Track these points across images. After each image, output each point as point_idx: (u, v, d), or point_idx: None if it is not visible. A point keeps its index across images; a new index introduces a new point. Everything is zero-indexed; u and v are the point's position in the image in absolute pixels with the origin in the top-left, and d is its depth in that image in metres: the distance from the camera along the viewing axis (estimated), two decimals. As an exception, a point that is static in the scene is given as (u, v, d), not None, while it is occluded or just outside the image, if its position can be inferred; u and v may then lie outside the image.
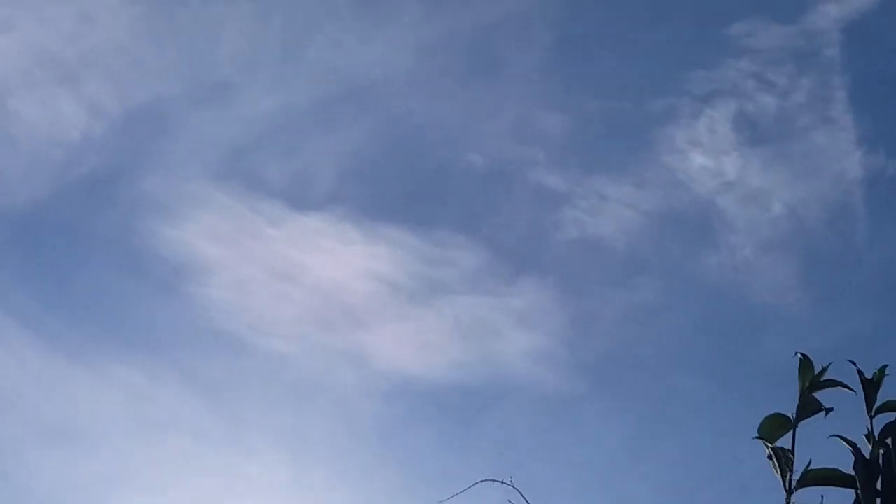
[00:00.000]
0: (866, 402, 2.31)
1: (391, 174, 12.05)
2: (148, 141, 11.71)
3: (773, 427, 2.32)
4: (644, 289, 11.65)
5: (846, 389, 2.31)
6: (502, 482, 2.78)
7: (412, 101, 11.88)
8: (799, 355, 2.34)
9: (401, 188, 12.04)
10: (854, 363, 2.26)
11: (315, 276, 11.86)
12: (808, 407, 2.31)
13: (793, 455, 2.30)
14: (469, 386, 11.39)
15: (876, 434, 2.28)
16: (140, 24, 11.51)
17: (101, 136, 11.47)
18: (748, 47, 11.32)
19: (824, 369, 2.34)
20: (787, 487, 2.29)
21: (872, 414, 2.30)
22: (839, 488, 2.30)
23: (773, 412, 2.31)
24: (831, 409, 2.31)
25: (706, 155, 11.53)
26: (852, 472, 2.23)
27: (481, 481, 2.84)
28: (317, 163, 11.94)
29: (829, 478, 2.31)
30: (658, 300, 11.59)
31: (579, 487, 10.71)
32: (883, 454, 2.22)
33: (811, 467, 2.31)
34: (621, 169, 11.77)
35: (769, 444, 2.28)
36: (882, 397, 2.32)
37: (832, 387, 2.33)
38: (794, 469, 2.29)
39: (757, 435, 2.28)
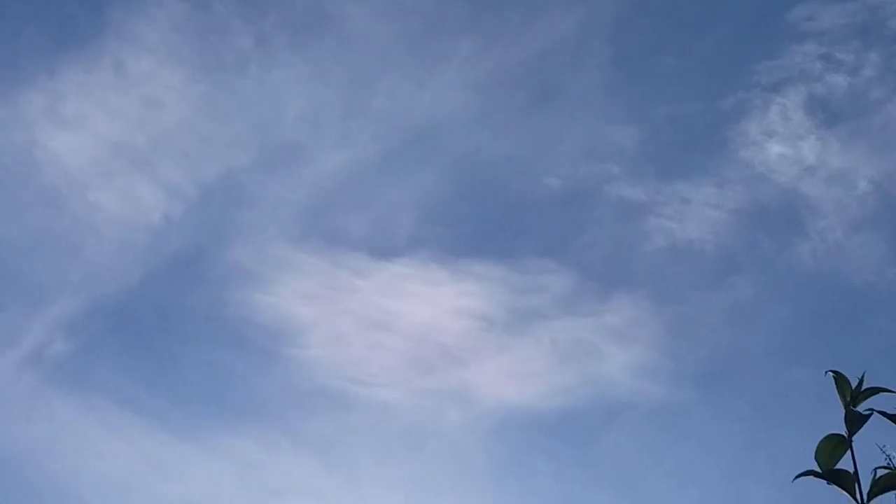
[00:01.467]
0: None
1: (469, 211, 12.13)
2: (227, 213, 11.98)
3: (829, 449, 2.25)
4: (740, 287, 11.56)
5: (889, 392, 2.24)
6: None
7: (479, 137, 11.97)
8: (831, 373, 2.27)
9: (481, 223, 12.11)
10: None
11: (408, 321, 11.91)
12: (856, 421, 2.24)
13: (856, 470, 2.23)
14: (576, 409, 11.33)
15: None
16: (204, 100, 11.84)
17: (180, 215, 11.77)
18: (810, 30, 11.19)
19: (860, 381, 2.27)
20: (861, 501, 2.22)
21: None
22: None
23: (825, 434, 2.25)
24: (871, 412, 2.24)
25: (783, 143, 11.41)
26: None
27: None
28: (393, 210, 12.05)
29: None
30: (755, 297, 11.50)
31: (702, 496, 10.82)
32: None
33: (878, 476, 2.24)
34: (700, 171, 11.71)
35: (822, 474, 2.21)
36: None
37: (874, 395, 2.25)
38: (861, 483, 2.22)
39: (808, 469, 2.21)
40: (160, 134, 11.69)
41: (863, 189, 11.25)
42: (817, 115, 11.39)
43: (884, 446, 2.19)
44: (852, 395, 2.25)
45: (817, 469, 2.26)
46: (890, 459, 2.21)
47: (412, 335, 11.78)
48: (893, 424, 2.26)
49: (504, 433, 11.31)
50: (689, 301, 11.60)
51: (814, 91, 11.32)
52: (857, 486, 2.24)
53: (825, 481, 2.22)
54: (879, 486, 2.21)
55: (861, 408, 2.27)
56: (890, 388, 2.23)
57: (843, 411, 2.25)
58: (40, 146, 11.56)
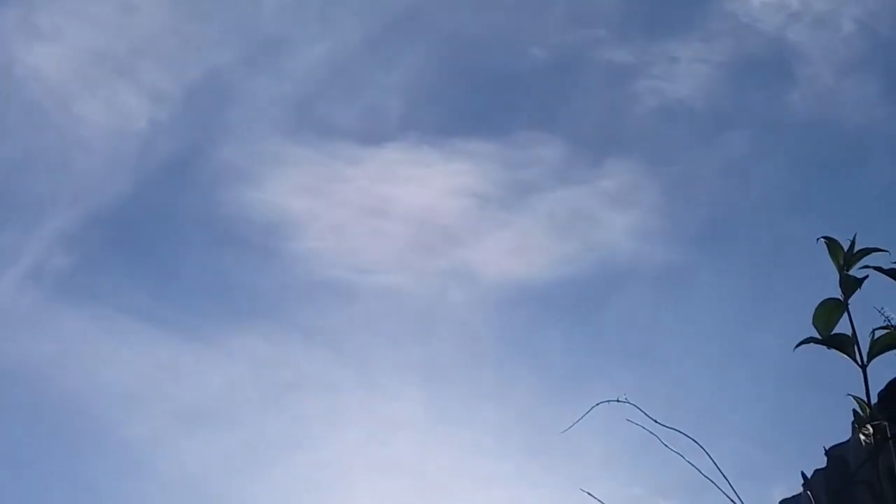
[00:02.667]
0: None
1: (457, 90, 12.00)
2: (214, 113, 11.90)
3: (825, 314, 2.26)
4: (733, 142, 11.50)
5: (881, 251, 2.24)
6: (618, 401, 2.77)
7: (460, 14, 11.79)
8: (822, 240, 2.27)
9: (470, 101, 12.00)
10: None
11: (405, 205, 11.92)
12: (851, 284, 2.24)
13: (854, 333, 2.24)
14: (579, 278, 11.38)
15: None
16: (180, 2, 11.69)
17: (168, 119, 11.65)
18: None
19: (852, 243, 2.27)
20: (861, 363, 2.24)
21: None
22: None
23: (822, 299, 2.26)
24: (866, 276, 2.24)
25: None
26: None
27: (598, 405, 2.84)
28: (381, 96, 11.93)
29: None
30: (750, 151, 11.43)
31: (709, 353, 10.88)
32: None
33: (876, 337, 2.26)
34: (686, 27, 11.67)
35: (821, 340, 2.22)
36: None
37: (867, 255, 2.25)
38: (860, 345, 2.24)
39: (807, 336, 2.22)
40: (140, 39, 11.59)
41: (848, 31, 11.20)
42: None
43: (882, 308, 2.20)
44: (845, 258, 2.25)
45: (816, 335, 2.26)
46: (888, 319, 2.22)
47: (410, 218, 11.86)
48: (891, 281, 2.26)
49: (509, 308, 11.46)
50: (683, 160, 11.62)
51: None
52: (856, 348, 2.25)
53: (825, 346, 2.23)
54: (879, 347, 2.23)
55: (855, 269, 2.27)
56: (881, 247, 2.22)
57: (838, 275, 2.25)
58: (19, 62, 11.52)
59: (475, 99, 11.94)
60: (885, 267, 2.27)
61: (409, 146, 11.68)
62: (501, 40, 11.74)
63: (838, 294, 2.30)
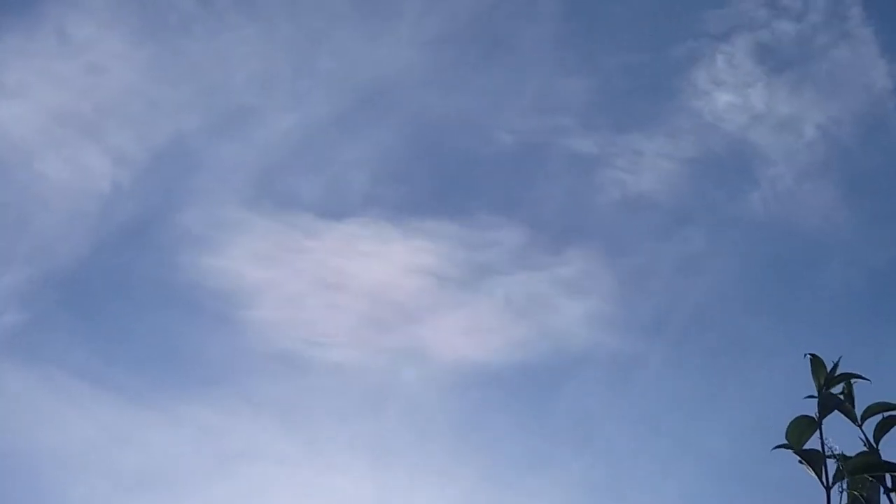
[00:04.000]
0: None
1: (421, 169, 12.11)
2: (177, 178, 11.86)
3: (799, 430, 2.29)
4: (692, 238, 11.65)
5: (862, 379, 2.29)
6: None
7: (429, 95, 11.92)
8: (808, 356, 2.32)
9: (433, 181, 12.10)
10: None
11: (361, 280, 11.92)
12: (828, 404, 2.29)
13: (823, 453, 2.27)
14: (532, 363, 11.41)
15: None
16: (150, 65, 11.70)
17: (130, 182, 11.65)
18: (755, -23, 11.21)
19: (836, 365, 2.32)
20: (826, 484, 2.27)
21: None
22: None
23: (796, 416, 2.29)
24: (839, 399, 2.28)
25: (731, 92, 11.46)
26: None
27: None
28: (345, 171, 12.04)
29: (869, 465, 2.27)
30: (707, 247, 11.58)
31: (657, 447, 10.79)
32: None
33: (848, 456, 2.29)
34: (652, 121, 11.75)
35: (795, 451, 2.26)
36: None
37: (847, 379, 2.30)
38: (828, 465, 2.27)
39: (784, 442, 2.26)
40: (106, 100, 11.61)
41: (811, 136, 11.35)
42: (765, 63, 11.50)
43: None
44: (826, 378, 2.29)
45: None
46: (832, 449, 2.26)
47: (366, 294, 11.86)
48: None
49: (461, 389, 11.41)
50: (641, 252, 11.75)
51: (761, 38, 11.39)
52: (823, 467, 2.29)
53: (797, 459, 2.27)
54: (850, 467, 2.26)
55: (833, 391, 2.31)
56: (862, 374, 2.28)
57: (817, 394, 2.29)
58: (-18, 116, 11.36)
59: (438, 179, 12.08)
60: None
61: (369, 222, 11.83)
62: (468, 123, 11.92)
63: (806, 409, 2.34)
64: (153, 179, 11.70)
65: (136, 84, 11.64)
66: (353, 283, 11.85)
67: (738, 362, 10.77)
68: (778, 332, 10.88)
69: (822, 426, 2.28)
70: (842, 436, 2.32)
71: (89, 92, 11.57)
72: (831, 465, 2.25)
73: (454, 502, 10.80)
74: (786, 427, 2.27)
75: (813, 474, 2.26)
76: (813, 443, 2.28)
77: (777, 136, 11.40)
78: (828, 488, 2.26)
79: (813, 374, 2.31)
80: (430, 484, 10.80)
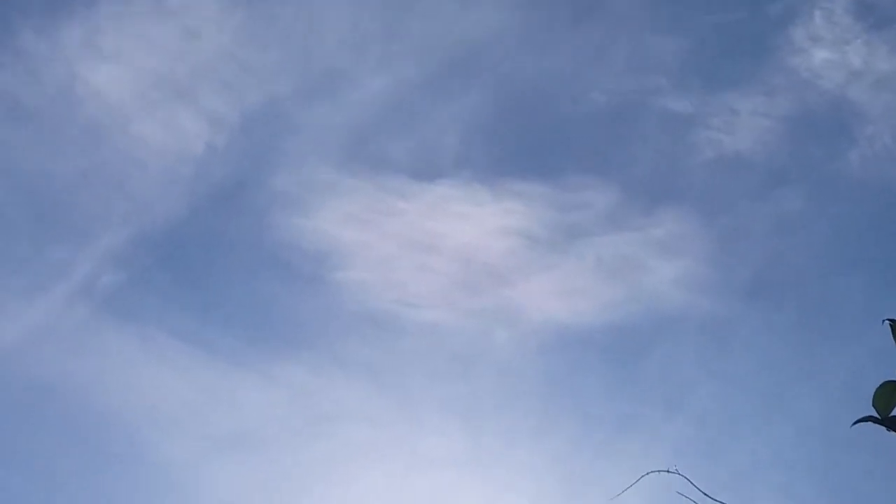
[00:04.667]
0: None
1: (513, 130, 11.96)
2: (270, 141, 11.88)
3: (885, 396, 2.22)
4: (789, 198, 11.44)
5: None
6: (668, 471, 2.75)
7: (522, 55, 11.81)
8: (887, 322, 2.23)
9: (525, 142, 11.94)
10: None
11: (453, 242, 11.88)
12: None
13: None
14: (623, 324, 11.31)
15: None
16: (243, 30, 11.77)
17: (224, 144, 11.73)
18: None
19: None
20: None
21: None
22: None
23: (882, 381, 2.22)
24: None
25: (829, 48, 11.19)
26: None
27: (648, 474, 2.82)
28: (437, 132, 11.92)
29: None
30: (804, 207, 11.38)
31: (751, 410, 10.84)
32: None
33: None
34: (748, 80, 11.46)
35: (881, 420, 2.18)
36: None
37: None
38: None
39: (867, 415, 2.18)
40: (200, 64, 11.68)
41: (911, 92, 11.04)
42: (865, 19, 11.20)
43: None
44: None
45: (875, 414, 2.23)
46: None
47: (458, 256, 11.80)
48: None
49: (552, 351, 11.37)
50: (737, 212, 11.51)
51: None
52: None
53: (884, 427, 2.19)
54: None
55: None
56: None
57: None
58: (81, 80, 11.57)
59: (529, 141, 11.90)
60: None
61: (460, 184, 11.75)
62: (559, 84, 11.77)
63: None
64: (246, 142, 11.80)
65: (229, 48, 11.74)
66: (445, 244, 11.82)
67: (834, 324, 10.68)
68: (876, 293, 10.60)
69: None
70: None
71: (184, 56, 11.71)
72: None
73: (545, 463, 10.83)
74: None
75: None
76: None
77: (876, 93, 11.11)
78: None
79: (895, 338, 2.23)
80: (521, 445, 10.94)
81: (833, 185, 11.34)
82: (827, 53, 11.12)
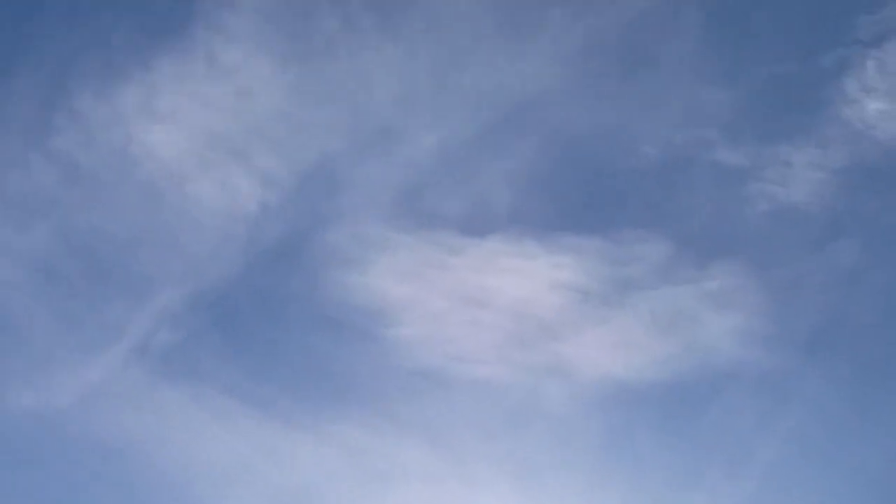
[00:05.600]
0: None
1: (564, 184, 11.99)
2: (322, 198, 11.98)
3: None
4: (845, 250, 11.33)
5: None
6: None
7: (573, 109, 11.86)
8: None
9: (576, 196, 11.96)
10: None
11: (505, 296, 11.83)
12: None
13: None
14: (679, 379, 11.22)
15: None
16: (295, 88, 11.92)
17: (277, 203, 11.86)
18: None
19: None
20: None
21: None
22: None
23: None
24: None
25: (883, 99, 11.20)
26: None
27: None
28: (487, 187, 11.98)
29: None
30: (862, 259, 11.26)
31: (810, 466, 10.73)
32: None
33: None
34: (801, 132, 11.47)
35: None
36: None
37: None
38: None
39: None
40: (253, 123, 11.84)
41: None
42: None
43: None
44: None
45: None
46: None
47: (509, 310, 11.77)
48: None
49: (606, 407, 11.30)
50: (792, 265, 11.41)
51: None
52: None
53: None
54: None
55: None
56: None
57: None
58: (136, 141, 11.75)
59: (581, 194, 11.93)
60: None
61: (512, 238, 11.76)
62: (612, 137, 11.80)
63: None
64: (299, 200, 11.91)
65: (282, 106, 11.87)
66: (496, 299, 11.78)
67: (892, 378, 10.47)
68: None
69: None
70: None
71: (237, 115, 11.87)
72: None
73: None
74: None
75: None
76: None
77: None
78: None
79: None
80: (575, 502, 10.80)
81: (889, 237, 11.25)
82: (880, 104, 11.11)
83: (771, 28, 11.60)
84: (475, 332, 11.65)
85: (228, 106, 11.87)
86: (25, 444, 11.03)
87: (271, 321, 11.79)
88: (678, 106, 11.73)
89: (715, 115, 11.53)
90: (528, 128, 11.91)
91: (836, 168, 11.21)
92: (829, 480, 10.50)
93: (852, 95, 11.10)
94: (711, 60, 11.74)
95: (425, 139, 11.92)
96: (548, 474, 11.14)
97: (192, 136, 11.81)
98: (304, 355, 11.66)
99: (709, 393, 11.17)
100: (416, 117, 11.90)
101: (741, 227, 11.49)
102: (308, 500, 10.88)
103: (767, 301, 11.23)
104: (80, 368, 11.25)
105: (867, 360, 11.04)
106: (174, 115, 11.90)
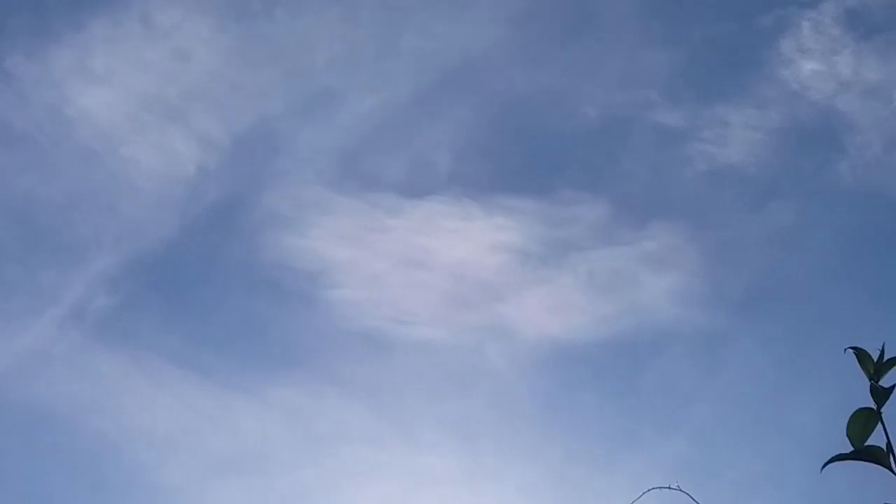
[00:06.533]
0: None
1: (504, 146, 12.01)
2: (261, 161, 11.89)
3: (859, 424, 2.20)
4: (781, 210, 11.42)
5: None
6: (670, 488, 2.80)
7: (513, 72, 11.85)
8: (851, 350, 2.23)
9: (516, 158, 11.99)
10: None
11: (445, 258, 11.86)
12: (881, 394, 2.19)
13: (888, 443, 2.18)
14: (618, 339, 11.29)
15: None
16: (234, 49, 11.81)
17: (215, 166, 11.75)
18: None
19: (881, 353, 2.22)
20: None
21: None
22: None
23: (856, 409, 2.20)
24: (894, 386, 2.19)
25: (818, 60, 11.21)
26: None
27: (649, 490, 2.87)
28: (427, 149, 11.94)
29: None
30: (797, 219, 11.37)
31: (745, 424, 10.84)
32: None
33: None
34: (738, 92, 11.49)
35: (853, 455, 2.16)
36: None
37: (896, 365, 2.21)
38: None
39: (837, 453, 2.17)
40: (191, 85, 11.73)
41: (900, 102, 11.02)
42: (853, 29, 11.24)
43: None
44: (875, 368, 2.20)
45: (849, 445, 2.21)
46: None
47: (450, 272, 11.80)
48: None
49: (547, 368, 11.36)
50: (729, 226, 11.54)
51: (848, 4, 11.17)
52: (891, 459, 2.20)
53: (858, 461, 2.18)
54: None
55: (885, 379, 2.22)
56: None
57: (869, 388, 2.20)
58: (70, 103, 11.59)
59: (521, 156, 11.96)
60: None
61: (452, 200, 11.73)
62: (552, 99, 11.76)
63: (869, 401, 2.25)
64: (238, 163, 11.79)
65: (220, 68, 11.78)
66: (437, 261, 11.81)
67: (828, 337, 10.45)
68: (870, 305, 10.76)
69: (882, 415, 2.18)
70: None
71: (174, 77, 11.74)
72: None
73: (543, 481, 10.80)
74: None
75: (883, 467, 2.16)
76: (876, 437, 2.19)
77: (865, 103, 11.11)
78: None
79: (861, 366, 2.22)
80: (518, 462, 10.96)
81: (825, 197, 11.38)
82: (816, 64, 11.16)
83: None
84: (416, 294, 11.70)
85: (165, 67, 11.75)
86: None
87: (210, 285, 11.82)
88: (617, 67, 11.76)
89: (654, 76, 11.57)
90: (468, 90, 11.89)
91: (772, 128, 11.28)
92: (763, 440, 10.64)
93: (788, 56, 11.19)
94: (650, 22, 11.76)
95: (365, 101, 11.89)
96: (489, 435, 11.30)
97: (128, 97, 11.70)
98: (243, 319, 11.64)
99: (646, 353, 11.30)
100: (356, 80, 11.86)
101: (679, 188, 11.57)
102: (249, 464, 10.96)
103: (705, 261, 11.35)
104: (15, 334, 11.25)
105: (802, 320, 11.22)
106: (109, 76, 11.75)
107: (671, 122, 11.36)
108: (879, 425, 2.21)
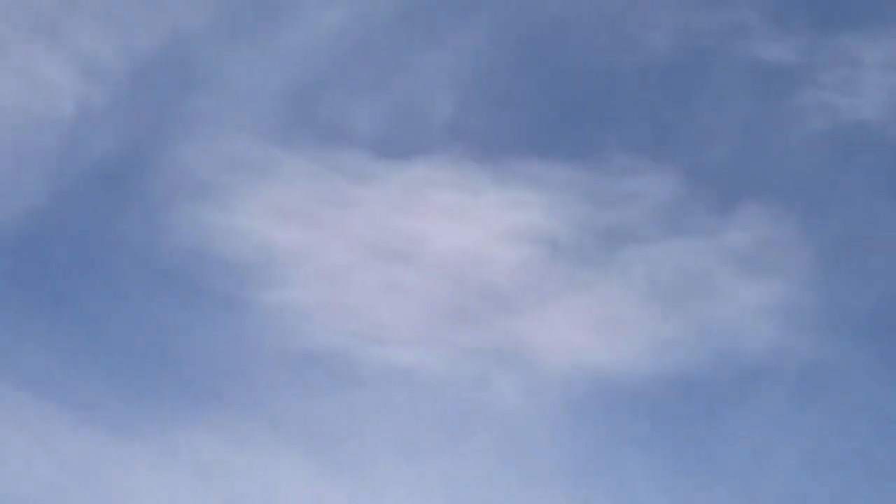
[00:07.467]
0: None
1: (527, 88, 11.16)
2: (171, 99, 11.03)
3: None
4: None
5: None
6: None
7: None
8: None
9: (545, 104, 10.99)
10: None
11: (437, 248, 10.69)
12: None
13: None
14: (688, 375, 9.94)
15: None
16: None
17: (104, 103, 10.92)
18: None
19: None
20: None
21: None
22: None
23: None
24: None
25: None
26: None
27: None
28: (414, 88, 10.73)
29: None
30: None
31: (864, 480, 9.28)
32: None
33: None
34: (874, 18, 10.32)
35: None
36: None
37: None
38: None
39: None
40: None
41: None
42: None
43: None
44: None
45: None
46: None
47: (443, 269, 10.46)
48: None
49: (581, 410, 9.94)
50: (855, 212, 10.21)
51: None
52: None
53: None
54: None
55: None
56: None
57: None
58: None
59: (552, 102, 10.85)
60: None
61: (449, 163, 10.53)
62: (600, 20, 10.73)
63: None
64: (138, 100, 10.60)
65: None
66: (425, 252, 10.44)
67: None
68: None
69: None
70: None
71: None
72: None
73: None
74: None
75: None
76: None
77: None
78: None
79: None
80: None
81: None
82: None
83: None
84: (394, 300, 10.37)
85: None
86: None
87: (94, 281, 10.44)
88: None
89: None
90: (477, 8, 10.82)
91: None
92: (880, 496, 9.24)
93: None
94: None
95: (325, 16, 11.00)
96: (495, 499, 9.58)
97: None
98: (141, 331, 10.29)
99: (728, 394, 10.03)
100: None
101: (784, 156, 10.44)
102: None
103: (819, 264, 10.15)
104: None
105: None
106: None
107: (776, 58, 10.52)
108: None
